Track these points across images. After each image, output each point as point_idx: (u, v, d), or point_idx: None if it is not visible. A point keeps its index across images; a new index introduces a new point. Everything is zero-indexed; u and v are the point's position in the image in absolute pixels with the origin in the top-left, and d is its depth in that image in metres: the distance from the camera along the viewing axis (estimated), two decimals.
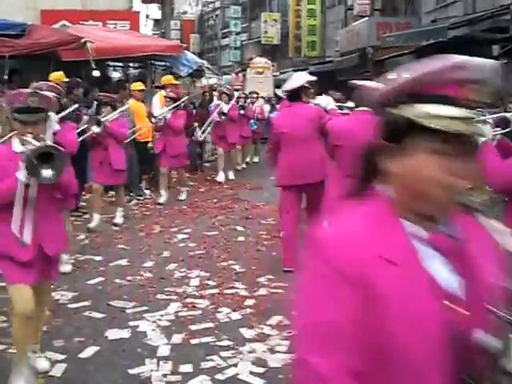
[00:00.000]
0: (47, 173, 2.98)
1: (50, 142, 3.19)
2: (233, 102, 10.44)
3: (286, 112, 5.47)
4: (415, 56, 14.40)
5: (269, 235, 6.44)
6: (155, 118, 8.00)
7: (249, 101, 12.37)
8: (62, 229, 3.31)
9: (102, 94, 7.33)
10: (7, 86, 7.01)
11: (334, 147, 4.31)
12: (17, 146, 3.06)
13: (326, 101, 5.34)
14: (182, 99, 8.46)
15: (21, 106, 3.00)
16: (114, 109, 6.75)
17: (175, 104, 8.09)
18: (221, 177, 10.12)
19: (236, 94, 11.34)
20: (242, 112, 11.22)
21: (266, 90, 18.47)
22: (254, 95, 13.08)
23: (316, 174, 5.00)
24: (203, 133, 10.29)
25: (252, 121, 12.20)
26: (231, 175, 10.49)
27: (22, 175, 2.96)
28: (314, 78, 5.61)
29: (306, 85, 5.15)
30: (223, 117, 9.99)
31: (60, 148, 3.09)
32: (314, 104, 5.31)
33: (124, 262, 5.39)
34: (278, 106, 14.45)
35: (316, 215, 5.09)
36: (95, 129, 6.33)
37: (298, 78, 5.27)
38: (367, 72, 15.31)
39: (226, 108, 10.04)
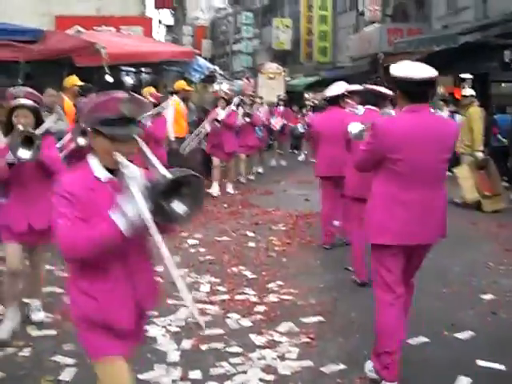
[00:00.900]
0: (178, 208, 2.04)
1: (161, 168, 2.05)
2: (231, 107, 9.43)
3: (323, 114, 6.41)
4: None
5: (279, 241, 6.44)
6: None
7: (255, 106, 11.61)
8: (155, 279, 2.43)
9: None
10: None
11: (349, 141, 4.75)
12: (100, 171, 2.17)
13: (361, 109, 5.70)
14: (162, 105, 7.75)
15: (111, 117, 2.10)
16: None
17: (157, 110, 7.34)
18: (215, 189, 9.12)
19: (236, 99, 10.08)
20: (247, 120, 10.14)
21: (277, 95, 18.51)
22: (258, 100, 12.41)
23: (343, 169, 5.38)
24: (187, 146, 8.86)
25: (257, 128, 11.29)
26: (230, 188, 9.48)
27: (119, 218, 2.02)
28: (357, 88, 5.86)
29: (345, 93, 5.91)
30: (217, 124, 9.02)
31: (198, 175, 2.09)
32: (349, 110, 5.78)
33: None
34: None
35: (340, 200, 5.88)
36: (81, 141, 4.91)
37: (338, 87, 6.04)
38: (378, 78, 15.26)
39: (222, 114, 9.17)
